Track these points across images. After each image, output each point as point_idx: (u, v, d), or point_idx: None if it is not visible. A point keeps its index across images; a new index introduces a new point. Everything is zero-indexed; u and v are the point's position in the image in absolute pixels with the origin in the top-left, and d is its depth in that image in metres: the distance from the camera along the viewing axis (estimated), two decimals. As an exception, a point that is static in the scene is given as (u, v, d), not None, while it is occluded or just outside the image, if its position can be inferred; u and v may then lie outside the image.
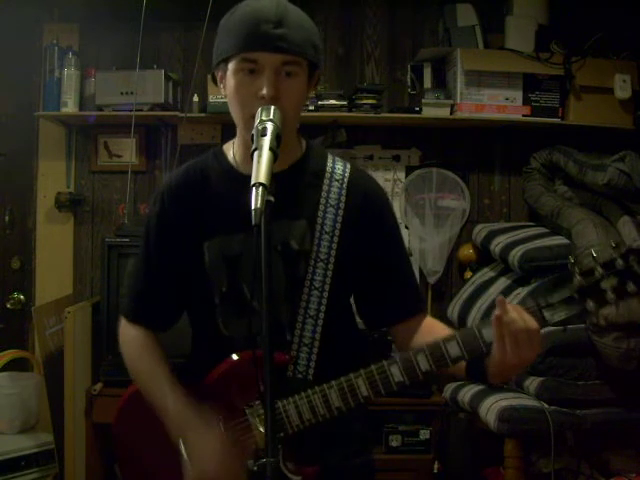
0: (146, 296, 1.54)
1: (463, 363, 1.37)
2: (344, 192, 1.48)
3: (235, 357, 1.41)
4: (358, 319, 1.61)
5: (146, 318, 1.55)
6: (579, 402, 2.52)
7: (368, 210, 1.50)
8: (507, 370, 1.32)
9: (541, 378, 2.56)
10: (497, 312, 1.27)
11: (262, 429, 1.35)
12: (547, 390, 2.52)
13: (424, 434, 2.94)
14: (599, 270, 1.26)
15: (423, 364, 1.32)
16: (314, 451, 1.41)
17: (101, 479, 3.00)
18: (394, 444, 2.92)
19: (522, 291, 2.77)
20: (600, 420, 2.51)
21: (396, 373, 1.33)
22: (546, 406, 2.49)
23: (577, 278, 1.27)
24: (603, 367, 2.50)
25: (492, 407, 2.52)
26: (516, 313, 1.27)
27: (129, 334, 1.55)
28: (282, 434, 1.34)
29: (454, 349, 1.31)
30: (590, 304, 1.27)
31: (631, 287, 1.24)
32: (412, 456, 2.93)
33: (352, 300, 1.60)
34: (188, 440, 1.39)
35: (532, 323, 1.27)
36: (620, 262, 1.25)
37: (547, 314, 1.28)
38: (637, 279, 1.24)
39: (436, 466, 2.97)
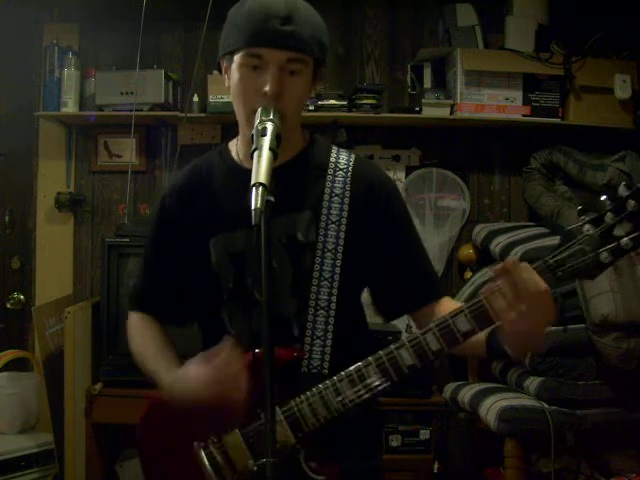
0: (148, 288, 1.57)
1: (482, 340, 1.30)
2: (349, 181, 1.45)
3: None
4: (374, 311, 1.56)
5: (148, 306, 1.57)
6: (579, 402, 2.51)
7: (375, 199, 1.47)
8: (522, 339, 1.22)
9: (541, 378, 2.56)
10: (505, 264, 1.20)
11: (279, 428, 1.25)
12: (547, 390, 2.52)
13: (424, 434, 2.94)
14: (610, 216, 1.14)
15: (433, 344, 1.25)
16: (333, 450, 1.38)
17: (101, 479, 3.00)
18: (394, 444, 2.92)
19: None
20: (600, 420, 2.51)
21: (406, 357, 1.26)
22: (546, 406, 2.49)
23: (588, 228, 1.16)
24: (603, 367, 2.50)
25: (492, 407, 2.52)
26: (527, 274, 1.19)
27: (131, 320, 1.58)
28: (300, 435, 1.29)
29: (463, 324, 1.23)
30: (604, 255, 1.15)
31: None
32: (412, 456, 2.92)
33: (365, 293, 1.56)
34: (186, 378, 1.36)
35: (543, 284, 1.19)
36: (632, 203, 1.13)
37: (558, 272, 1.19)
38: None
39: (436, 466, 2.97)
